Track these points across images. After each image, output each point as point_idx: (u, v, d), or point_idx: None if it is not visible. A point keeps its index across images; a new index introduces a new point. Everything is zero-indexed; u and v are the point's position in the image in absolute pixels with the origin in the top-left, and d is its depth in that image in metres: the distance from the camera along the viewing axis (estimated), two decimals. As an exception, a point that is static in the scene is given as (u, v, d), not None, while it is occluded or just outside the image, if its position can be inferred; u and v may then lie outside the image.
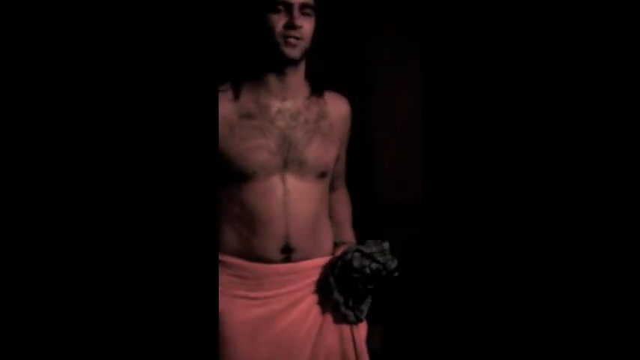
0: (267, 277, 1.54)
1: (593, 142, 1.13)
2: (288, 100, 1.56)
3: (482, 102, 1.22)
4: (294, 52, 1.50)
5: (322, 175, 1.58)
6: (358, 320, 1.58)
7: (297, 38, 1.49)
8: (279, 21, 1.48)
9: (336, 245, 1.66)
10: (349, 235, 1.73)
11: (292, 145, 1.54)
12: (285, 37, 1.48)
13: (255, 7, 1.50)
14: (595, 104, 1.14)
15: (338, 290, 1.56)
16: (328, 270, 1.58)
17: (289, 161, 1.53)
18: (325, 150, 1.58)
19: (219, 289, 1.50)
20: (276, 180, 1.52)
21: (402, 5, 1.93)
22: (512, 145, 1.18)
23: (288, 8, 1.47)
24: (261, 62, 1.54)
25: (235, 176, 1.52)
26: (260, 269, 1.53)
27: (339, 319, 1.57)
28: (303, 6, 1.48)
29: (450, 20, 1.27)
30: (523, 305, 1.18)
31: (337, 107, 1.64)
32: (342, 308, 1.56)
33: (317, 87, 1.60)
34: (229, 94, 1.55)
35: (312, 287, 1.59)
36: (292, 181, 1.54)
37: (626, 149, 1.10)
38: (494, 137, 1.20)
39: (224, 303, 1.51)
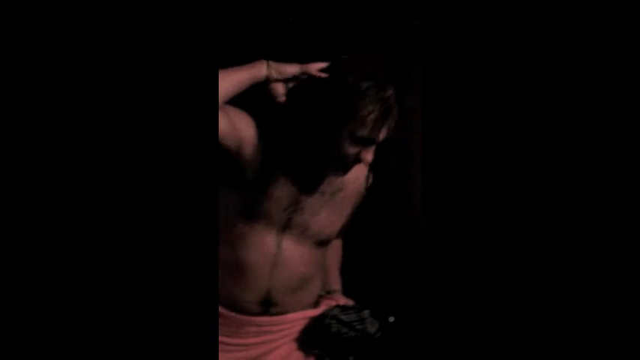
0: (245, 327, 1.59)
1: (594, 153, 1.15)
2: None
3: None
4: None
5: (322, 243, 1.61)
6: None
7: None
8: (352, 150, 1.44)
9: (320, 296, 1.71)
10: (336, 283, 1.78)
11: (299, 211, 1.54)
12: (348, 164, 1.48)
13: (337, 125, 1.42)
14: (594, 111, 1.15)
15: (317, 346, 1.63)
16: (307, 327, 1.64)
17: (292, 224, 1.55)
18: (331, 221, 1.59)
19: None
20: (272, 237, 1.54)
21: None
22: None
23: (366, 144, 1.44)
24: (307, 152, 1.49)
25: (240, 215, 1.52)
26: (238, 319, 1.58)
27: None
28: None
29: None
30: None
31: (356, 174, 1.59)
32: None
33: None
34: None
35: (290, 337, 1.64)
36: (288, 244, 1.56)
37: (626, 151, 1.10)
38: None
39: None
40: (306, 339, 1.64)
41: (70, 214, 1.22)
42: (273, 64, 1.47)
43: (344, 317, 1.62)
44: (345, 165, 1.48)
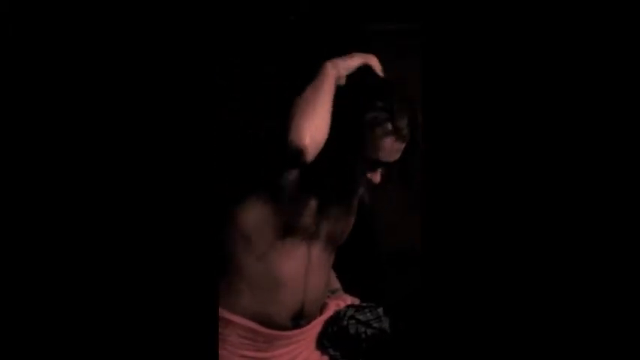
0: (277, 341, 1.60)
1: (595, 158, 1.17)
2: None
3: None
4: None
5: (338, 247, 1.66)
6: None
7: None
8: (366, 171, 1.50)
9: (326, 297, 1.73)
10: (335, 282, 1.82)
11: (325, 217, 1.56)
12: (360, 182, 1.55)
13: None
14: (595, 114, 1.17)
15: (334, 348, 1.67)
16: (324, 331, 1.69)
17: (320, 231, 1.57)
18: (347, 224, 1.64)
19: (229, 348, 1.55)
20: (304, 247, 1.55)
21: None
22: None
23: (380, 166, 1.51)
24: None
25: (274, 229, 1.51)
26: (273, 335, 1.58)
27: None
28: None
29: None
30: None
31: None
32: None
33: None
34: None
35: (309, 341, 1.68)
36: (317, 251, 1.58)
37: (627, 156, 1.15)
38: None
39: None
40: (327, 343, 1.66)
41: (68, 213, 1.20)
42: (338, 61, 1.43)
43: (361, 317, 1.66)
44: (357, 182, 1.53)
